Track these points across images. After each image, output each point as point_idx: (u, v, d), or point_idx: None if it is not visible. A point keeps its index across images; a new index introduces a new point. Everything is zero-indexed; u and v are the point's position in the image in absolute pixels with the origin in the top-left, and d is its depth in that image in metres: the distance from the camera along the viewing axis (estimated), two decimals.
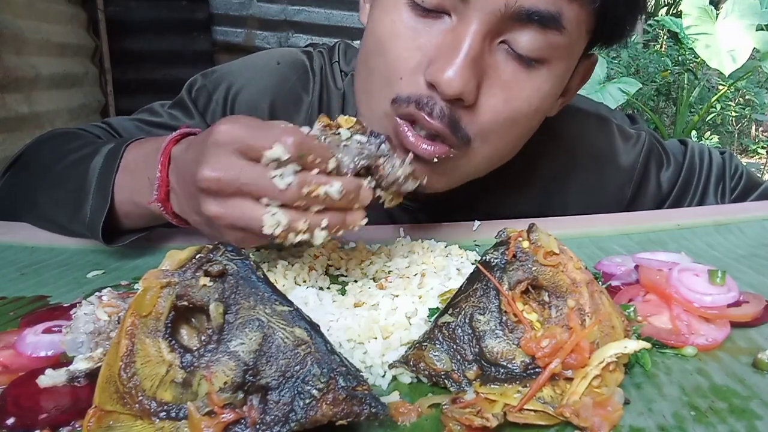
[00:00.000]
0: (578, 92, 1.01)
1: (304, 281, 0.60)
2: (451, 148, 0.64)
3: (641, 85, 3.65)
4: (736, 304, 0.52)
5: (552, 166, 0.89)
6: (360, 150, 0.56)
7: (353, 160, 0.55)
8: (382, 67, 0.65)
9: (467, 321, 0.44)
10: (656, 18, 4.79)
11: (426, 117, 0.62)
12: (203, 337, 0.38)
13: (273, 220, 0.50)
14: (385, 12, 0.65)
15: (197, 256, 0.40)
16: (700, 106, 4.20)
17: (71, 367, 0.42)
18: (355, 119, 0.57)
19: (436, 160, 0.64)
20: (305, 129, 0.55)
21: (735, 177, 0.95)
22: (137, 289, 0.40)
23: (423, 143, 0.63)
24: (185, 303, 0.39)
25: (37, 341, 0.48)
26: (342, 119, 0.57)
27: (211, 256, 0.40)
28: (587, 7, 0.62)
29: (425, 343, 0.44)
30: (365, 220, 0.55)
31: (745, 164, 0.99)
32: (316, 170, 0.51)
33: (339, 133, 0.56)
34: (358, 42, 0.79)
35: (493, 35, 0.61)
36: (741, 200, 0.94)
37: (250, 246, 0.61)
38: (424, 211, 0.88)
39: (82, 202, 0.66)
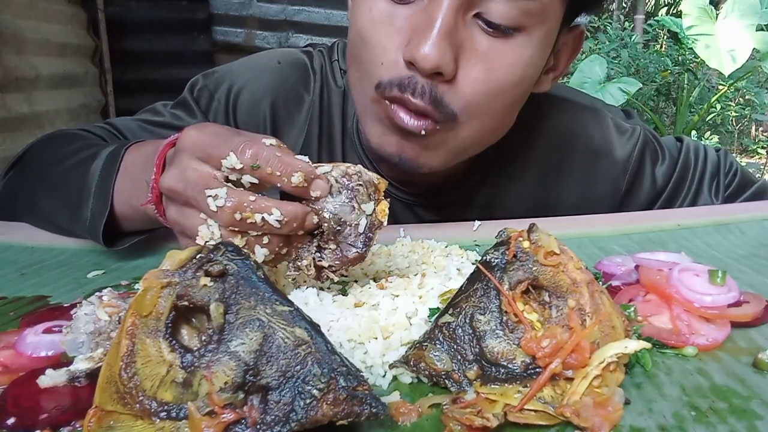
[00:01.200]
0: (579, 90, 1.01)
1: (305, 281, 0.60)
2: (437, 123, 0.66)
3: (641, 85, 3.66)
4: (737, 304, 0.52)
5: (547, 158, 0.90)
6: (350, 211, 0.51)
7: (335, 211, 0.51)
8: (365, 56, 0.68)
9: (468, 321, 0.44)
10: (656, 18, 4.80)
11: (410, 97, 0.64)
12: (204, 337, 0.38)
13: (207, 232, 0.49)
14: (362, 2, 0.67)
15: (198, 256, 0.40)
16: (700, 106, 4.20)
17: (71, 367, 0.42)
18: (385, 200, 0.52)
19: (423, 132, 0.66)
20: (325, 168, 0.51)
21: (729, 174, 0.95)
22: (137, 289, 0.40)
23: (411, 118, 0.66)
24: (186, 303, 0.39)
25: (37, 341, 0.48)
26: (383, 183, 0.52)
27: (212, 256, 0.40)
28: None
29: (426, 343, 0.44)
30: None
31: (745, 164, 1.00)
32: (256, 194, 0.49)
33: (359, 188, 0.51)
34: None
35: (465, 8, 0.63)
36: (735, 197, 0.94)
37: None
38: (422, 205, 0.88)
39: (82, 205, 0.66)
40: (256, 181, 0.50)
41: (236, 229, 0.49)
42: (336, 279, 0.55)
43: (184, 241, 0.54)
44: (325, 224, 0.52)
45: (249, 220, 0.49)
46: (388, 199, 0.53)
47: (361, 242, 0.52)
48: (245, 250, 0.47)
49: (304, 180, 0.49)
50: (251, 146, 0.49)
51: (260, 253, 0.50)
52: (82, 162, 0.70)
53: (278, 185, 0.49)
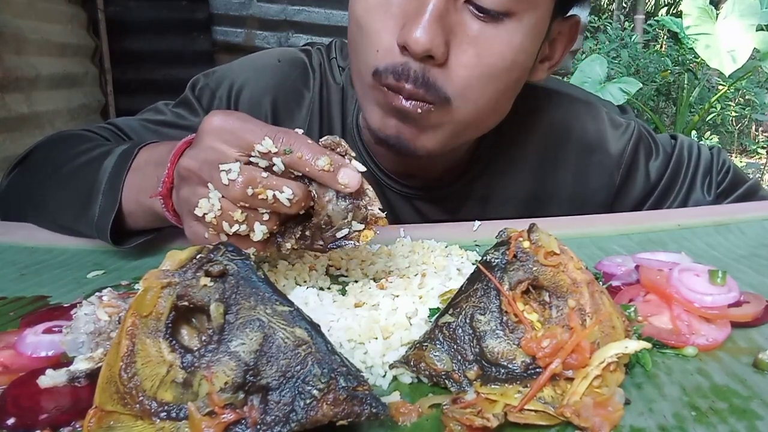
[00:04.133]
0: (574, 85, 1.02)
1: (305, 281, 0.60)
2: (431, 105, 0.68)
3: (641, 85, 3.66)
4: (737, 304, 0.52)
5: (542, 150, 0.91)
6: (341, 218, 0.53)
7: (331, 211, 0.53)
8: (362, 43, 0.70)
9: (468, 321, 0.44)
10: (656, 18, 4.80)
11: (405, 85, 0.67)
12: (204, 338, 0.38)
13: (207, 204, 0.50)
14: None
15: (198, 257, 0.40)
16: (700, 106, 4.21)
17: (72, 368, 0.42)
18: (374, 232, 0.54)
19: (419, 111, 0.68)
20: (359, 167, 0.52)
21: (722, 172, 0.96)
22: (137, 289, 0.40)
23: (407, 102, 0.68)
24: (186, 303, 0.39)
25: (37, 341, 0.48)
26: (383, 221, 0.54)
27: (212, 256, 0.40)
28: None
29: (426, 343, 0.44)
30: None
31: (745, 164, 1.00)
32: (267, 172, 0.50)
33: (362, 210, 0.53)
34: None
35: None
36: (727, 194, 0.95)
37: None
38: (421, 198, 0.89)
39: (91, 202, 0.66)
40: (283, 168, 0.51)
41: (246, 204, 0.50)
42: (289, 251, 0.55)
43: (190, 223, 0.54)
44: (317, 217, 0.53)
45: (260, 196, 0.49)
46: (377, 232, 0.54)
47: (329, 244, 0.54)
48: (243, 227, 0.49)
49: (329, 164, 0.50)
50: (285, 133, 0.51)
51: (259, 230, 0.51)
52: (95, 159, 0.70)
53: (306, 170, 0.51)
